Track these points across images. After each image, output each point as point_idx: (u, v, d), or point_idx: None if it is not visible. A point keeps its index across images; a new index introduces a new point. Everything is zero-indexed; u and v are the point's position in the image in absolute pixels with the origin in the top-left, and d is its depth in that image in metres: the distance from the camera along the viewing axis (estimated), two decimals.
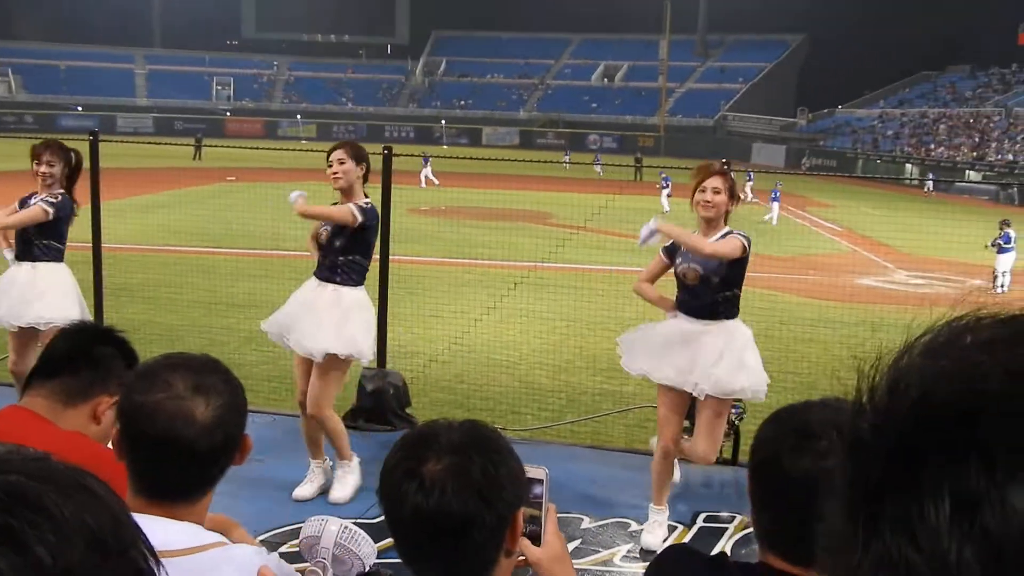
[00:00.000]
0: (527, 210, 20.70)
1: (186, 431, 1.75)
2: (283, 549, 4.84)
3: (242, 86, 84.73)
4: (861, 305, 13.10)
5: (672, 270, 5.24)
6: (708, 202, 4.99)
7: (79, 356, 2.31)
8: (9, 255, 6.37)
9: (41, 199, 6.04)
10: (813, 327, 11.42)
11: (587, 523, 5.41)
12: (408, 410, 7.26)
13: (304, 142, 57.99)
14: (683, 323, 5.15)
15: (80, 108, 70.23)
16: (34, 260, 6.15)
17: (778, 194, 26.44)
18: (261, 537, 4.97)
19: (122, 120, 69.60)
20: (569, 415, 7.75)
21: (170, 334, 9.82)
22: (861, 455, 0.58)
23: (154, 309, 11.26)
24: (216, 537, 1.76)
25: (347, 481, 5.72)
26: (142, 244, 15.95)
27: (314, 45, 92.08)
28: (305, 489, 5.72)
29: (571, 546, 5.05)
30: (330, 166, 5.46)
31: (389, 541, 4.81)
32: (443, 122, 75.57)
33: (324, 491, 5.77)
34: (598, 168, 32.12)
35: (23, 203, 6.22)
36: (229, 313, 11.03)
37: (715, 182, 5.02)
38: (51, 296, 6.10)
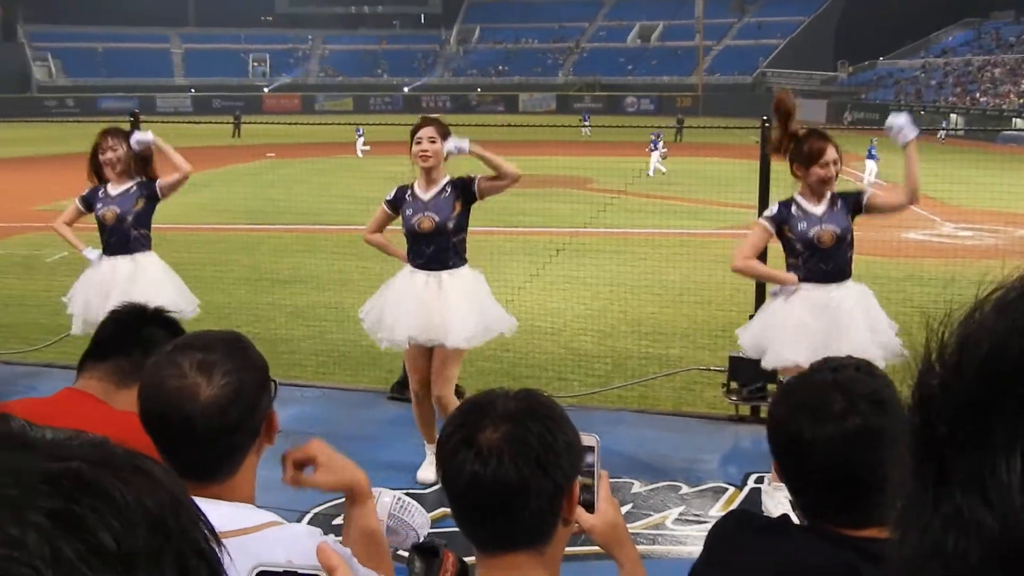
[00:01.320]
0: (567, 176, 20.60)
1: (188, 409, 1.73)
2: (336, 521, 4.90)
3: (278, 61, 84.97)
4: (908, 260, 12.90)
5: (786, 238, 5.05)
6: (832, 176, 4.96)
7: (129, 338, 2.34)
8: (92, 254, 6.24)
9: (136, 184, 6.05)
10: (860, 281, 11.26)
11: (637, 487, 5.41)
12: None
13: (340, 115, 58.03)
14: (810, 293, 5.00)
15: (120, 91, 70.87)
16: (131, 252, 6.10)
17: (874, 151, 23.72)
18: (315, 510, 5.04)
19: (161, 100, 70.16)
20: (615, 380, 7.74)
21: (217, 312, 9.92)
22: (930, 413, 0.57)
23: (200, 288, 11.32)
24: (269, 517, 1.76)
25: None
26: (186, 224, 16.10)
27: (348, 17, 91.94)
28: (428, 472, 5.58)
29: (623, 511, 5.06)
30: (418, 143, 5.29)
31: (442, 511, 4.85)
32: (478, 90, 75.30)
33: None
34: (585, 131, 31.52)
35: (87, 202, 6.18)
36: (274, 289, 11.13)
37: (833, 153, 4.98)
38: (169, 284, 6.15)
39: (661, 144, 25.96)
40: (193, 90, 74.07)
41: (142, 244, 6.16)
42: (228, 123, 28.58)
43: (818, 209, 5.00)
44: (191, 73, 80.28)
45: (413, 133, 5.38)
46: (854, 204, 5.07)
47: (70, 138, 6.33)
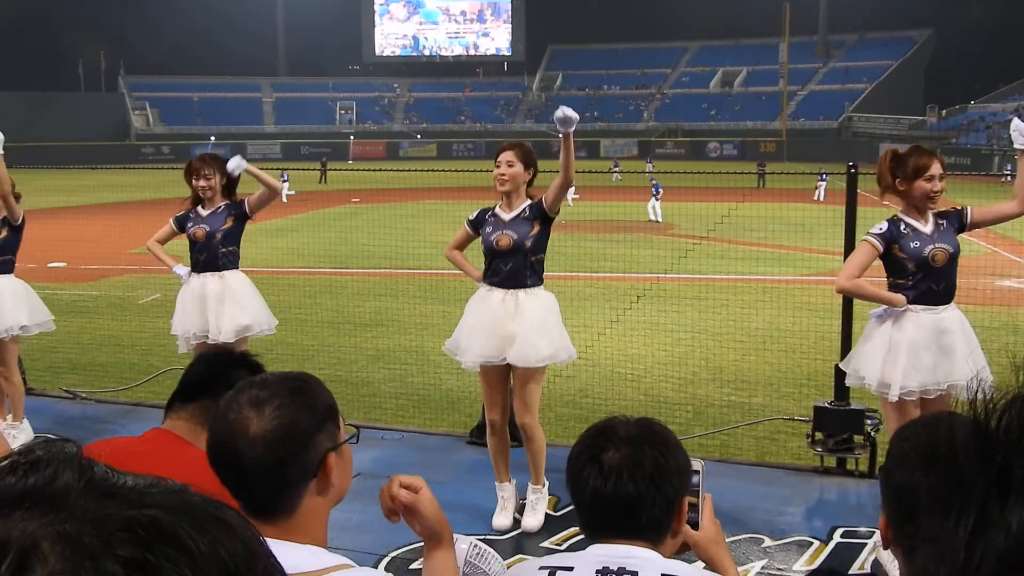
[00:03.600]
0: (648, 222, 20.54)
1: (238, 442, 1.74)
2: (414, 566, 4.89)
3: (364, 109, 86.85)
4: (1003, 308, 12.50)
5: (894, 258, 4.86)
6: (938, 191, 4.83)
7: (216, 380, 2.39)
8: (182, 270, 6.44)
9: (233, 203, 6.28)
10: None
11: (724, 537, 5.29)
12: None
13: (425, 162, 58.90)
14: (924, 318, 4.82)
15: (213, 138, 73.11)
16: (220, 270, 6.29)
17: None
18: (393, 553, 5.04)
19: (252, 147, 72.16)
20: (696, 428, 7.62)
21: (301, 353, 10.09)
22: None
23: (286, 330, 11.55)
24: (339, 559, 1.76)
25: (539, 508, 5.51)
26: (273, 267, 16.46)
27: (433, 65, 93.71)
28: (504, 519, 5.52)
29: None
30: (498, 166, 5.37)
31: (518, 558, 4.81)
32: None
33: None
34: (616, 176, 31.18)
35: (179, 223, 6.42)
36: (356, 332, 11.28)
37: (939, 168, 4.85)
38: (248, 303, 6.28)
39: (660, 191, 26.32)
40: (278, 136, 76.06)
41: (230, 262, 6.35)
42: (316, 169, 29.21)
43: (926, 228, 4.85)
44: (281, 121, 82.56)
45: (496, 156, 5.46)
46: (958, 223, 4.92)
47: (165, 184, 6.55)
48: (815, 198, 21.45)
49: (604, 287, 14.48)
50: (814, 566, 5.06)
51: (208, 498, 0.63)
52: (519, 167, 5.36)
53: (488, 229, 5.43)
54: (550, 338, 5.39)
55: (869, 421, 6.25)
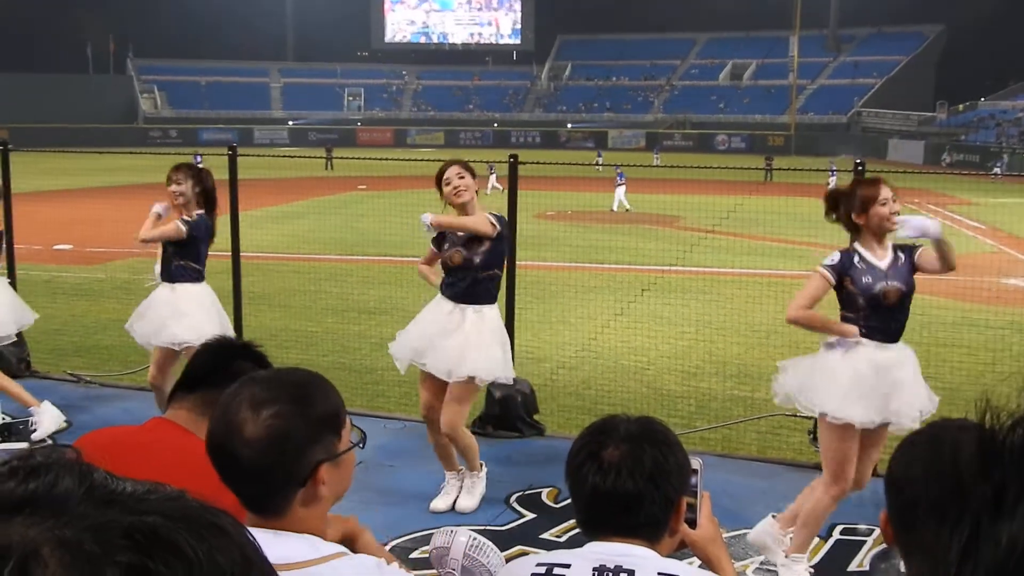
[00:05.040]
0: (655, 213, 20.53)
1: (232, 441, 1.74)
2: (413, 555, 4.91)
3: (372, 96, 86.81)
4: (1007, 307, 12.49)
5: (845, 291, 4.72)
6: (896, 211, 4.62)
7: (219, 370, 2.39)
8: (160, 207, 6.44)
9: (179, 219, 6.29)
10: (956, 330, 10.94)
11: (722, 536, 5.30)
12: (536, 417, 7.28)
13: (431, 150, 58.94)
14: (872, 353, 4.67)
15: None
16: (172, 281, 6.35)
17: None
18: (392, 543, 5.06)
19: (259, 132, 72.21)
20: (699, 422, 7.63)
21: (305, 340, 10.11)
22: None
23: (289, 316, 11.61)
24: (334, 548, 1.76)
25: (475, 491, 5.77)
26: (278, 252, 16.48)
27: (441, 53, 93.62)
28: (442, 501, 5.75)
29: None
30: (447, 183, 5.46)
31: (519, 549, 4.82)
32: (568, 126, 75.69)
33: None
34: (599, 167, 31.24)
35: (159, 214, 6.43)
36: (360, 320, 11.28)
37: (887, 191, 4.66)
38: (189, 317, 6.25)
39: (623, 178, 26.44)
40: (291, 123, 76.10)
41: (183, 276, 6.36)
42: (322, 157, 29.24)
43: (882, 263, 4.67)
44: (289, 106, 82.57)
45: (439, 177, 5.53)
46: (910, 261, 4.72)
47: (169, 167, 6.53)
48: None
49: (610, 278, 14.48)
50: (814, 562, 5.07)
51: (205, 504, 0.63)
52: (469, 178, 5.48)
53: (445, 245, 5.58)
54: (484, 355, 5.49)
55: None
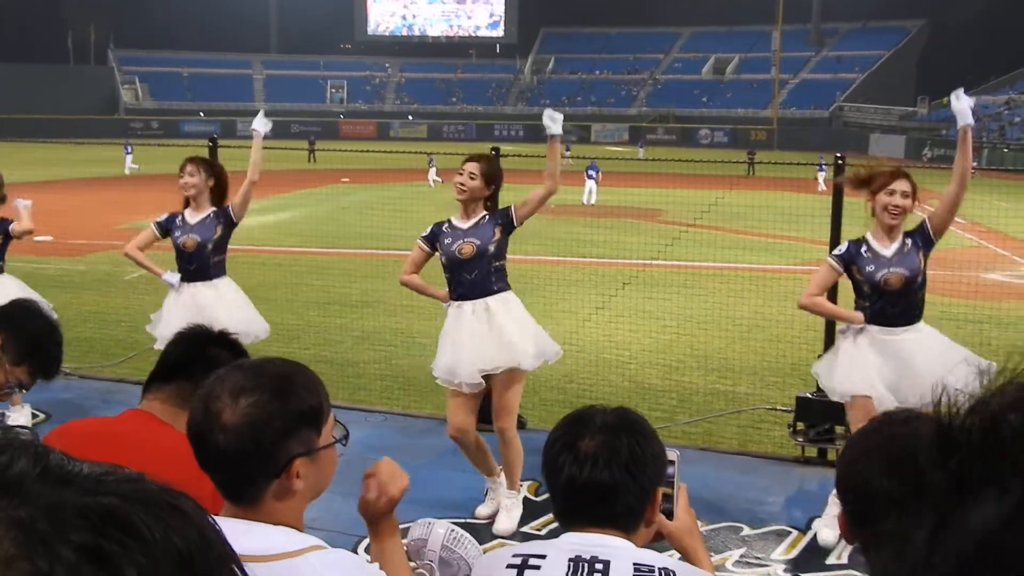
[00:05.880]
0: (637, 207, 20.56)
1: (208, 425, 1.74)
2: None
3: (355, 88, 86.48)
4: (987, 302, 12.57)
5: (854, 279, 4.97)
6: (898, 207, 4.82)
7: (193, 360, 2.38)
8: (173, 278, 6.35)
9: (211, 210, 6.23)
10: (936, 324, 10.98)
11: (699, 527, 5.32)
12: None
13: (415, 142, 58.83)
14: (878, 337, 4.91)
15: (202, 114, 72.72)
16: (213, 278, 6.28)
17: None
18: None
19: (241, 124, 71.79)
20: (681, 415, 7.66)
21: (287, 333, 10.08)
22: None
23: (272, 309, 11.53)
24: (312, 541, 1.76)
25: (515, 512, 5.49)
26: (260, 245, 16.41)
27: (425, 46, 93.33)
28: (488, 507, 5.56)
29: None
30: (460, 174, 5.33)
31: (498, 542, 4.84)
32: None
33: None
34: (567, 161, 31.39)
35: (163, 229, 6.28)
36: (343, 313, 11.27)
37: (904, 185, 4.88)
38: (238, 312, 6.25)
39: (597, 174, 26.47)
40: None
41: (221, 270, 6.34)
42: (304, 149, 29.19)
43: (888, 251, 4.89)
44: (271, 98, 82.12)
45: (462, 164, 5.43)
46: (923, 238, 4.95)
47: (153, 160, 6.53)
48: (819, 189, 21.62)
49: (591, 272, 14.50)
50: (791, 556, 5.11)
51: (165, 487, 0.63)
52: (480, 182, 5.30)
53: (447, 241, 5.35)
54: (534, 340, 5.36)
55: None
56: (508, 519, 5.45)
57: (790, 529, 5.41)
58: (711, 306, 10.83)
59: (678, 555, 2.13)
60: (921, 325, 5.00)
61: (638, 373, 9.07)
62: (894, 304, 4.88)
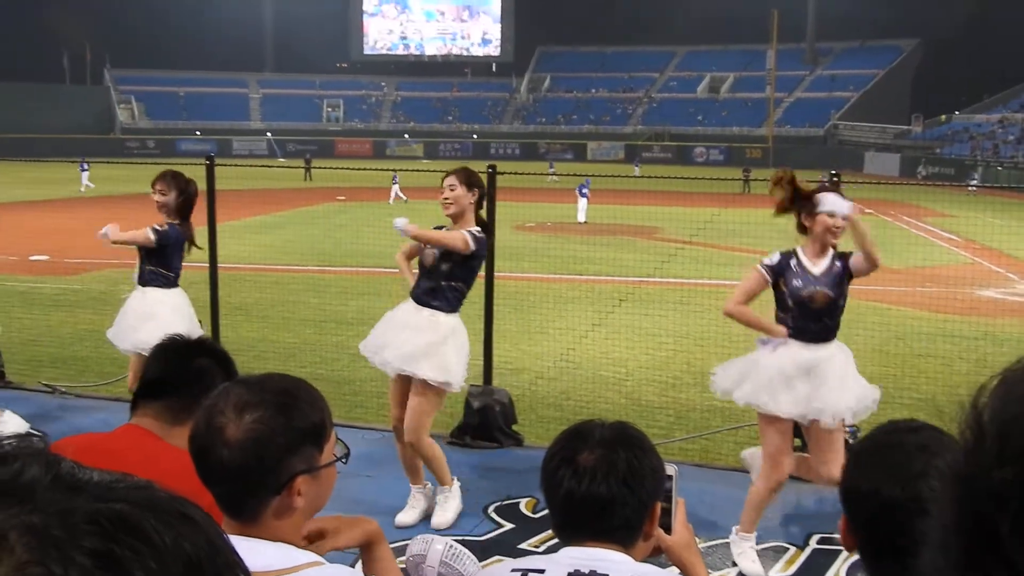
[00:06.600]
0: (633, 225, 20.60)
1: (211, 439, 1.73)
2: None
3: (351, 107, 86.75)
4: (983, 318, 12.60)
5: (779, 292, 4.96)
6: (839, 228, 4.80)
7: (177, 375, 2.35)
8: (107, 228, 6.40)
9: (150, 226, 6.28)
10: (931, 341, 11.03)
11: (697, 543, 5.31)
12: (514, 427, 7.28)
13: (412, 161, 58.91)
14: (797, 352, 4.89)
15: (199, 132, 72.85)
16: (144, 286, 6.37)
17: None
18: None
19: (237, 143, 71.96)
20: (678, 432, 7.65)
21: (284, 351, 10.07)
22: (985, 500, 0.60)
23: (268, 327, 11.56)
24: (310, 557, 1.76)
25: (449, 506, 5.65)
26: (256, 263, 16.41)
27: (421, 65, 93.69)
28: (407, 515, 5.67)
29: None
30: (441, 192, 5.45)
31: (496, 559, 4.80)
32: (546, 143, 75.89)
33: (427, 516, 5.70)
34: (552, 178, 31.49)
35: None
36: (339, 331, 11.25)
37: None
38: (156, 320, 6.16)
39: (587, 191, 26.40)
40: (270, 134, 75.89)
41: (154, 281, 6.37)
42: (301, 167, 29.26)
43: (817, 268, 4.88)
44: (267, 117, 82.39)
45: (442, 181, 5.55)
46: (847, 269, 4.91)
47: (149, 178, 6.52)
48: None
49: (588, 289, 14.51)
50: (790, 572, 5.09)
51: (174, 495, 0.64)
52: (461, 189, 5.41)
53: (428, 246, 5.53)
54: (434, 359, 5.42)
55: (847, 430, 6.28)
56: (443, 513, 5.60)
57: (788, 546, 5.40)
58: (707, 323, 10.82)
59: (677, 570, 2.12)
60: (836, 344, 4.98)
61: (635, 390, 9.07)
62: (815, 321, 4.88)
